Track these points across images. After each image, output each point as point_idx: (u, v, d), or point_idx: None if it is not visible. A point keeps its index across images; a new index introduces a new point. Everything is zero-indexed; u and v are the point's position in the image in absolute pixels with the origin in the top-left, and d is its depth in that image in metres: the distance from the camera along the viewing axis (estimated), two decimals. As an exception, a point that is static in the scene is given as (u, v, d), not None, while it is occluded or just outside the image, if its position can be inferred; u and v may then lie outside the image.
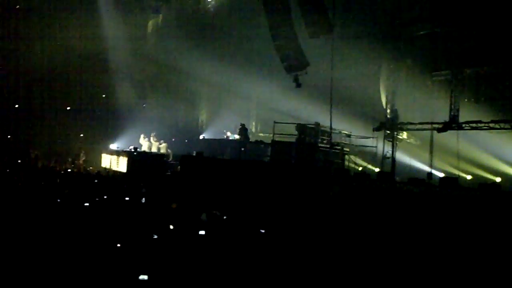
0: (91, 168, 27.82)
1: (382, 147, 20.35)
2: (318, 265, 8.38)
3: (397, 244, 10.30)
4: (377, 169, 20.82)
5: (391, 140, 20.03)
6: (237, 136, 24.15)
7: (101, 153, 29.41)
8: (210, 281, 7.54)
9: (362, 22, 23.03)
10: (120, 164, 25.63)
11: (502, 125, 17.09)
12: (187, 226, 10.61)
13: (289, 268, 8.14)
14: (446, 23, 19.67)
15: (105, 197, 14.42)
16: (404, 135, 21.34)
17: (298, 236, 10.75)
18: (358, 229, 11.75)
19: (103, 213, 12.06)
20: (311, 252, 9.19)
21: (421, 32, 21.10)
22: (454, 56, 19.44)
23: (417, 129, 20.25)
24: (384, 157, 20.12)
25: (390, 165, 19.67)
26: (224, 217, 12.18)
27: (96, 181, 19.95)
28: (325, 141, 20.84)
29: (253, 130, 30.38)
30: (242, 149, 22.26)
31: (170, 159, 25.21)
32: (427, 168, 19.62)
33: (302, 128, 20.50)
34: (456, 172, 19.11)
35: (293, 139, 20.63)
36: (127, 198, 14.39)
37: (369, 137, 21.39)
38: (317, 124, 20.84)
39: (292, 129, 20.60)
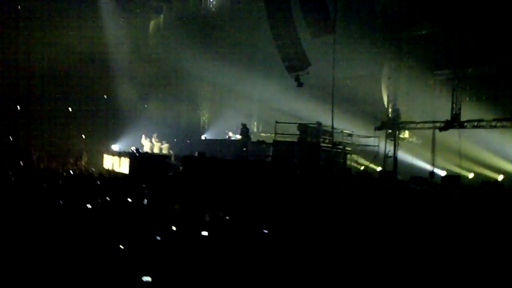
0: (93, 169, 27.82)
1: (384, 146, 20.35)
2: (322, 264, 8.38)
3: (400, 243, 10.30)
4: (379, 168, 20.82)
5: (393, 139, 20.05)
6: (238, 136, 24.16)
7: (103, 154, 29.44)
8: (214, 282, 7.54)
9: (363, 22, 23.03)
10: (122, 165, 25.66)
11: (504, 123, 17.08)
12: (189, 227, 10.61)
13: (292, 268, 8.14)
14: (447, 22, 19.65)
15: (107, 198, 14.42)
16: (406, 134, 21.33)
17: (301, 236, 10.74)
18: (361, 228, 11.75)
19: (105, 215, 12.07)
20: (315, 252, 9.19)
21: (422, 32, 21.08)
22: (455, 55, 19.41)
23: (419, 128, 20.26)
24: (386, 156, 20.14)
25: (392, 164, 19.68)
26: (227, 218, 12.19)
27: (98, 182, 19.95)
28: (327, 141, 20.84)
29: (255, 130, 30.36)
30: (244, 149, 22.27)
31: (172, 159, 25.22)
32: (429, 167, 19.62)
33: (304, 127, 20.49)
34: (458, 170, 19.09)
35: (295, 139, 20.64)
36: (129, 200, 14.39)
37: (371, 136, 21.37)
38: (319, 124, 20.82)
39: (294, 129, 20.59)
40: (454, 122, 18.18)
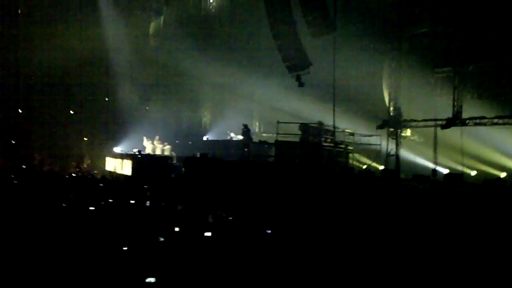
0: (95, 171, 27.84)
1: (386, 144, 20.35)
2: (325, 264, 8.38)
3: (403, 241, 10.29)
4: (381, 167, 20.82)
5: (395, 137, 20.05)
6: (240, 137, 24.16)
7: (105, 156, 29.46)
8: (217, 283, 7.54)
9: (364, 21, 23.02)
10: (124, 167, 25.65)
11: (505, 120, 17.07)
12: (192, 228, 10.62)
13: (296, 268, 8.14)
14: (447, 20, 19.64)
15: (110, 200, 14.43)
16: (407, 132, 21.35)
17: (304, 236, 10.74)
18: (365, 227, 11.74)
19: (108, 217, 12.08)
20: (318, 252, 9.19)
21: (423, 30, 21.08)
22: (456, 53, 19.42)
23: (421, 126, 20.26)
24: (388, 154, 20.14)
25: (395, 163, 19.67)
26: (230, 218, 12.19)
27: (101, 184, 19.96)
28: (328, 140, 20.85)
29: (257, 130, 30.37)
30: (246, 149, 22.28)
31: (174, 161, 25.22)
32: (431, 165, 19.61)
33: (305, 127, 20.50)
34: (461, 168, 19.08)
35: (297, 139, 20.65)
36: (132, 201, 14.40)
37: (373, 135, 21.39)
38: (320, 123, 20.83)
39: (296, 129, 20.61)
40: (455, 120, 18.18)
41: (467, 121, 18.01)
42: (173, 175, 22.70)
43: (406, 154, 20.82)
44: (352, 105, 23.04)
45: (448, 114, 18.47)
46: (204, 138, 31.01)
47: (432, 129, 19.75)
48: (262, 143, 22.83)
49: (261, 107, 30.65)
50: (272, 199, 14.88)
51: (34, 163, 27.87)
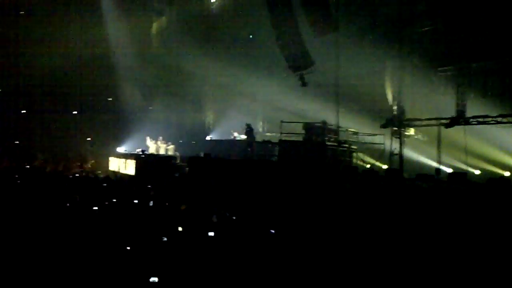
0: (99, 171, 27.89)
1: (389, 144, 20.31)
2: (329, 264, 8.37)
3: (407, 241, 10.28)
4: (385, 166, 20.77)
5: (398, 136, 19.97)
6: (244, 137, 24.15)
7: (109, 156, 29.50)
8: (220, 282, 7.54)
9: (366, 20, 22.98)
10: (128, 167, 25.70)
11: (509, 119, 17.00)
12: (196, 227, 10.62)
13: (300, 268, 8.14)
14: (450, 18, 19.57)
15: (114, 200, 14.46)
16: (411, 131, 21.26)
17: (308, 236, 10.73)
18: (369, 227, 11.73)
19: (112, 217, 12.09)
20: (322, 252, 9.18)
21: (426, 28, 21.01)
22: (459, 51, 19.34)
23: (424, 125, 20.20)
24: (391, 154, 20.08)
25: (398, 162, 19.62)
26: (234, 218, 12.19)
27: (104, 184, 20.00)
28: (332, 139, 20.83)
29: (260, 130, 30.34)
30: (249, 149, 22.28)
31: (178, 161, 25.24)
32: (435, 164, 19.56)
33: (309, 126, 20.49)
34: (465, 167, 19.02)
35: (300, 138, 20.63)
36: (136, 201, 14.42)
37: (376, 134, 21.34)
38: (324, 123, 20.79)
39: (299, 128, 20.60)
40: (459, 119, 18.09)
41: (471, 120, 17.94)
42: (176, 175, 22.72)
43: (410, 153, 20.76)
44: (356, 104, 23.00)
45: (452, 113, 18.40)
46: (208, 137, 31.04)
47: (436, 128, 19.66)
48: (266, 142, 22.82)
49: (264, 107, 30.61)
50: (276, 199, 14.87)
51: (37, 163, 27.93)
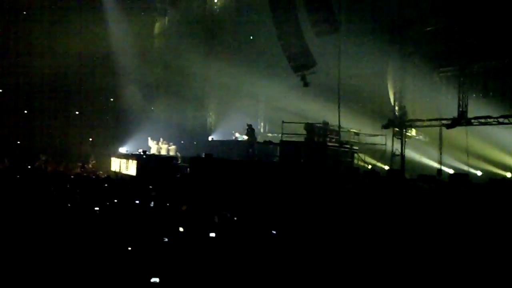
0: (100, 172, 27.91)
1: (391, 144, 20.30)
2: (331, 265, 8.37)
3: (409, 242, 10.27)
4: (386, 167, 20.75)
5: (400, 137, 19.97)
6: (245, 137, 24.17)
7: (110, 156, 29.53)
8: (221, 283, 7.54)
9: (368, 20, 22.95)
10: (129, 167, 25.73)
11: (511, 119, 16.98)
12: (197, 228, 10.61)
13: (301, 269, 8.13)
14: (451, 18, 19.55)
15: (115, 200, 14.45)
16: (413, 132, 21.25)
17: (310, 236, 10.72)
18: (370, 228, 11.72)
19: (113, 217, 12.09)
20: (324, 253, 9.17)
21: (427, 28, 20.99)
22: (460, 52, 19.31)
23: (426, 126, 20.18)
24: (393, 154, 20.06)
25: (400, 163, 19.61)
26: (235, 219, 12.18)
27: (106, 185, 20.00)
28: (333, 140, 20.82)
29: (262, 130, 30.38)
30: (250, 150, 22.29)
31: (179, 161, 25.25)
32: (436, 165, 19.55)
33: (310, 127, 20.48)
34: (466, 168, 19.01)
35: (302, 139, 20.64)
36: (137, 201, 14.41)
37: (378, 135, 21.34)
38: (326, 123, 20.79)
39: (301, 129, 20.60)
40: (461, 119, 18.07)
41: (472, 121, 17.92)
42: (178, 175, 22.73)
43: (411, 154, 20.76)
44: (357, 105, 23.03)
45: (453, 113, 18.39)
46: (209, 138, 31.04)
47: (437, 128, 19.66)
48: (267, 143, 22.83)
49: (266, 107, 30.66)
50: (277, 199, 14.86)
51: (38, 163, 27.95)
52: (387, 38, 21.38)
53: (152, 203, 14.29)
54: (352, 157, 21.35)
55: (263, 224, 11.53)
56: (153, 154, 26.84)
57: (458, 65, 19.56)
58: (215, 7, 32.39)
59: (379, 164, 21.67)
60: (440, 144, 19.80)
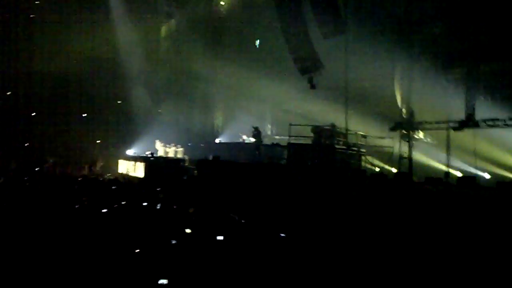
0: (108, 174, 27.96)
1: (398, 147, 20.24)
2: (339, 268, 8.36)
3: (417, 244, 10.24)
4: (394, 170, 20.70)
5: (407, 140, 19.92)
6: (253, 140, 24.17)
7: (118, 159, 29.58)
8: (228, 285, 7.54)
9: (375, 22, 22.91)
10: (137, 170, 25.75)
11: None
12: (205, 230, 10.62)
13: (309, 272, 8.12)
14: (459, 20, 19.49)
15: (123, 203, 14.48)
16: (420, 134, 21.17)
17: (318, 239, 10.71)
18: (378, 230, 11.70)
19: (121, 219, 12.12)
20: (332, 256, 9.16)
21: (435, 30, 20.94)
22: (468, 53, 19.25)
23: (434, 129, 20.12)
24: (401, 157, 20.01)
25: (407, 165, 19.56)
26: (243, 221, 12.18)
27: (113, 187, 20.03)
28: (341, 143, 20.78)
29: (269, 133, 30.33)
30: (256, 152, 22.28)
31: (187, 163, 25.25)
32: (444, 168, 19.48)
33: (318, 129, 20.46)
34: (474, 170, 18.94)
35: (309, 141, 20.61)
36: (144, 204, 14.44)
37: (386, 138, 21.28)
38: (333, 126, 20.75)
39: (308, 131, 20.58)
40: (468, 122, 18.02)
41: (480, 123, 17.85)
42: (185, 178, 22.74)
43: (419, 156, 20.69)
44: (365, 107, 22.94)
45: (461, 115, 18.33)
46: (217, 140, 31.04)
47: (445, 131, 19.59)
48: (275, 145, 22.81)
49: (273, 110, 30.63)
50: (285, 202, 14.85)
51: (46, 166, 28.03)
52: (394, 39, 21.35)
53: (160, 205, 14.31)
54: (360, 160, 21.29)
55: (271, 227, 11.53)
56: (161, 156, 26.87)
57: (465, 66, 19.50)
58: (222, 9, 32.41)
59: (386, 167, 21.62)
60: (448, 146, 19.72)
